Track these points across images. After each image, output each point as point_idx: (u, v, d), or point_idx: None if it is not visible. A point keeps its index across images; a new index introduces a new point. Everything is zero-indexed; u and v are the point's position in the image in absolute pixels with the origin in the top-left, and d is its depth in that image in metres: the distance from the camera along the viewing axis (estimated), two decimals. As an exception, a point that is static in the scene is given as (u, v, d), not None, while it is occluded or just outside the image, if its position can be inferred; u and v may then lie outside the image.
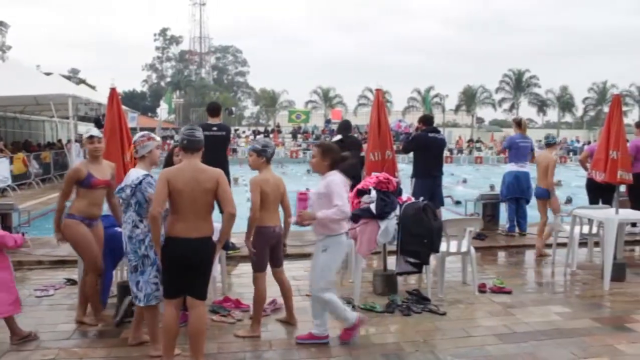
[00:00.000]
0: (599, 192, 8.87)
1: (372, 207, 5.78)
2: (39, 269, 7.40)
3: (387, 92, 62.48)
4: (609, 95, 14.60)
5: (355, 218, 5.87)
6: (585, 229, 7.61)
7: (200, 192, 4.06)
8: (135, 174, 4.51)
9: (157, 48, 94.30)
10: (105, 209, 5.51)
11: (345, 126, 9.57)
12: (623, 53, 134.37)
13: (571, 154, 41.56)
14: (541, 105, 71.70)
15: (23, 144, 21.21)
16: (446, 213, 10.06)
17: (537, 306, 6.07)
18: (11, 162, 16.70)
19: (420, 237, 5.77)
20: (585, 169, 8.96)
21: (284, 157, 34.95)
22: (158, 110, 47.04)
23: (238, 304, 5.83)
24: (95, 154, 5.21)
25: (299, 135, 45.89)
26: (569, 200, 14.99)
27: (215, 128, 7.83)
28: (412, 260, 5.89)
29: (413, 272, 6.18)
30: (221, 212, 4.21)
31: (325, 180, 4.67)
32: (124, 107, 7.59)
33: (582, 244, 8.11)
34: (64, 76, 28.09)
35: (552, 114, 74.40)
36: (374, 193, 5.87)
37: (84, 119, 23.00)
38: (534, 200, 8.71)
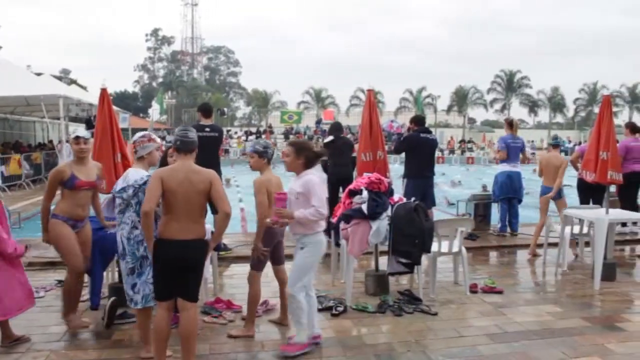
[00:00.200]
0: (589, 193, 8.92)
1: (364, 207, 5.79)
2: (29, 271, 7.30)
3: (379, 93, 62.65)
4: (600, 96, 14.75)
5: (347, 218, 5.88)
6: (576, 229, 7.65)
7: (193, 193, 4.04)
8: (137, 174, 4.49)
9: (149, 48, 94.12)
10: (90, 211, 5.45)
11: (336, 127, 9.61)
12: (613, 54, 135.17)
13: (562, 154, 41.67)
14: (532, 106, 72.04)
15: (13, 145, 21.12)
16: (438, 213, 10.08)
17: (528, 306, 6.09)
18: (2, 163, 16.61)
19: (411, 237, 5.78)
20: (576, 169, 9.01)
21: (276, 158, 34.69)
22: (150, 110, 47.11)
23: (230, 305, 5.83)
24: (81, 155, 5.12)
25: (291, 136, 45.81)
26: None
27: (208, 129, 7.82)
28: (403, 260, 5.90)
29: (405, 273, 6.19)
30: (214, 212, 4.21)
31: (302, 180, 4.59)
32: (115, 108, 7.58)
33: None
34: (55, 77, 27.94)
35: (544, 115, 74.75)
36: (365, 193, 5.88)
37: (75, 119, 22.95)
38: (526, 201, 8.76)
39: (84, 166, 5.13)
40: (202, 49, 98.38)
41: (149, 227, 4.05)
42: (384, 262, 6.26)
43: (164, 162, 5.45)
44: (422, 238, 5.81)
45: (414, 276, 6.53)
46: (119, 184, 4.60)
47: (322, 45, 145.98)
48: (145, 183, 4.38)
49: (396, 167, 13.08)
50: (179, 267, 4.05)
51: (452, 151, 44.72)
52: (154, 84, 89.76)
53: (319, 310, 5.70)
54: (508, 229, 9.60)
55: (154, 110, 40.27)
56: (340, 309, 5.71)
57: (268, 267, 5.23)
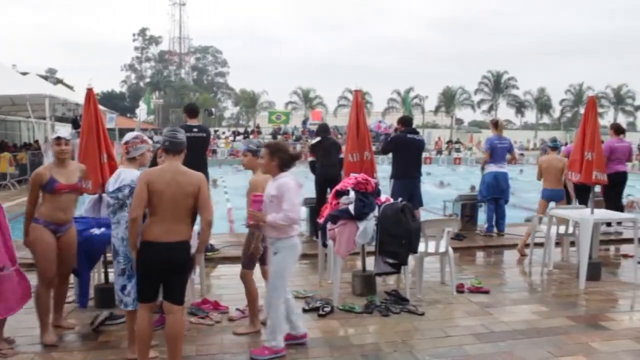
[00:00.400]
0: (575, 193, 8.99)
1: (351, 208, 5.80)
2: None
3: (367, 93, 62.93)
4: (585, 97, 14.96)
5: (334, 219, 5.88)
6: (562, 229, 7.70)
7: (180, 195, 3.99)
8: (131, 174, 4.45)
9: (136, 48, 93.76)
10: (78, 212, 5.39)
11: (324, 128, 9.69)
12: (599, 56, 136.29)
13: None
14: (519, 107, 72.64)
15: (-1, 145, 20.95)
16: (425, 214, 10.11)
17: (514, 305, 6.13)
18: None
19: (398, 237, 5.79)
20: (562, 170, 9.06)
21: (264, 158, 34.71)
22: (137, 111, 46.96)
23: (217, 305, 5.81)
24: (62, 157, 4.92)
25: (279, 136, 45.80)
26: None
27: (196, 129, 7.79)
28: (390, 260, 5.91)
29: (392, 273, 6.21)
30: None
31: (277, 182, 4.52)
32: (102, 108, 7.54)
33: (558, 243, 8.22)
34: (41, 76, 27.78)
35: (530, 115, 75.50)
36: (352, 194, 5.88)
37: (61, 119, 22.77)
38: (512, 201, 8.82)
39: (65, 168, 4.92)
40: (190, 49, 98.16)
41: (136, 233, 4.01)
42: (371, 263, 6.27)
43: (154, 164, 5.42)
44: (409, 238, 5.83)
45: (401, 276, 6.55)
46: (111, 185, 4.57)
47: (310, 45, 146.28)
48: None
49: (384, 167, 13.11)
50: (164, 270, 4.01)
51: (439, 152, 44.92)
52: (142, 84, 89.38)
53: (306, 310, 5.74)
54: (495, 229, 9.66)
55: (142, 111, 40.06)
56: (328, 309, 5.71)
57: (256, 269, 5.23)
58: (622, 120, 64.31)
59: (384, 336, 5.15)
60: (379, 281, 6.56)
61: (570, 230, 7.66)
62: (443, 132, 59.56)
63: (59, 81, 40.74)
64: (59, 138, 4.93)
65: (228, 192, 17.53)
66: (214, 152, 37.48)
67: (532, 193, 19.44)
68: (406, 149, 8.50)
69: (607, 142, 9.26)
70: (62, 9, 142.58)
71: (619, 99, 69.36)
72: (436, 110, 71.01)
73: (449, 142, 49.70)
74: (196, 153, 7.50)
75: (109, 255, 5.65)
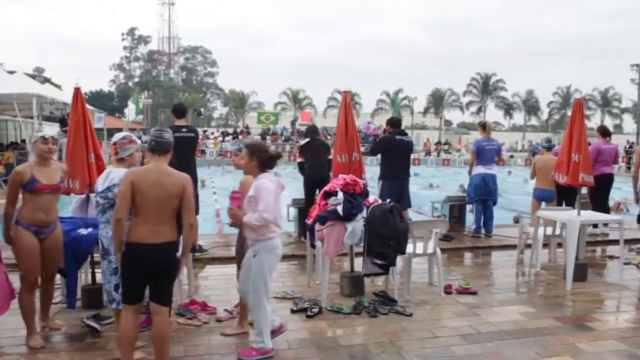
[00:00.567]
0: (562, 194, 9.05)
1: (339, 209, 5.80)
2: None
3: (356, 94, 63.00)
4: (573, 100, 15.06)
5: (322, 220, 5.88)
6: (549, 230, 7.75)
7: (165, 196, 3.96)
8: (120, 174, 4.40)
9: (125, 48, 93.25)
10: (65, 212, 5.33)
11: (312, 129, 9.72)
12: (587, 58, 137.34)
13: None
14: (508, 109, 72.99)
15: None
16: (413, 215, 10.14)
17: (501, 306, 6.15)
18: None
19: (387, 238, 5.80)
20: (550, 171, 9.12)
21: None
22: (126, 110, 46.56)
23: (204, 306, 5.79)
24: (48, 156, 4.82)
25: (268, 137, 45.80)
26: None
27: (184, 129, 7.77)
28: (378, 261, 5.91)
29: (380, 274, 6.21)
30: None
31: (255, 183, 4.48)
32: (90, 108, 7.49)
33: (546, 244, 8.26)
34: (28, 75, 27.50)
35: (519, 117, 75.85)
36: (340, 195, 5.89)
37: (49, 118, 22.61)
38: (500, 202, 8.88)
39: (46, 168, 4.77)
40: (179, 48, 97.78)
41: (120, 235, 3.98)
42: (359, 264, 6.27)
43: (143, 164, 5.37)
44: (397, 239, 5.84)
45: (389, 277, 6.55)
46: (100, 184, 4.55)
47: (299, 46, 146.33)
48: None
49: (373, 168, 13.15)
50: (149, 271, 3.98)
51: (428, 153, 45.08)
52: (130, 83, 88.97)
53: (294, 311, 5.74)
54: (482, 231, 9.70)
55: (130, 110, 39.69)
56: (316, 310, 5.70)
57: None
58: (609, 122, 64.82)
59: (372, 337, 5.15)
60: (367, 282, 6.57)
61: (558, 231, 7.70)
62: (432, 133, 59.83)
63: (46, 80, 40.45)
64: (46, 137, 4.79)
65: (217, 192, 17.49)
66: (203, 152, 37.39)
67: (520, 195, 19.58)
68: (395, 150, 8.51)
69: (593, 144, 9.34)
70: (50, 8, 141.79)
71: (606, 102, 69.85)
72: (425, 112, 71.25)
73: (438, 143, 49.88)
74: (184, 153, 7.49)
75: (96, 256, 5.64)
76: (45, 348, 4.75)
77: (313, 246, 6.48)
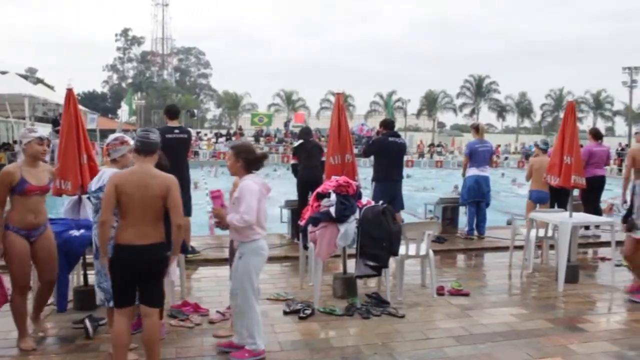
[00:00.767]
0: (554, 196, 9.09)
1: (332, 210, 5.81)
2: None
3: (350, 96, 63.11)
4: (565, 102, 15.06)
5: (314, 221, 5.89)
6: (542, 232, 7.77)
7: (149, 198, 3.92)
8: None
9: (119, 48, 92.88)
10: (55, 213, 5.29)
11: (306, 131, 9.74)
12: (579, 61, 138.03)
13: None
14: (501, 111, 73.25)
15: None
16: (407, 217, 10.16)
17: (494, 308, 6.17)
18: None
19: (379, 240, 5.81)
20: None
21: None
22: (119, 111, 46.62)
23: (197, 308, 5.78)
24: (43, 157, 4.81)
25: (261, 138, 45.78)
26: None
27: (177, 130, 7.76)
28: (371, 263, 5.91)
29: (372, 275, 6.21)
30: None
31: (240, 184, 4.47)
32: (83, 109, 7.47)
33: (539, 246, 8.29)
34: (21, 75, 27.37)
35: (512, 120, 76.13)
36: (333, 196, 5.89)
37: (41, 119, 22.54)
38: (493, 204, 8.91)
39: (36, 169, 4.71)
40: (173, 49, 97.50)
41: (105, 237, 3.96)
42: (352, 265, 6.27)
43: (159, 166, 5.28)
44: (390, 241, 5.84)
45: (381, 279, 6.55)
46: (94, 184, 4.53)
47: (293, 47, 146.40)
48: None
49: (366, 170, 13.17)
50: (138, 273, 3.95)
51: (421, 155, 45.18)
52: (124, 84, 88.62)
53: (287, 313, 5.74)
54: (475, 232, 9.72)
55: (123, 111, 39.70)
56: (308, 312, 5.70)
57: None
58: (601, 125, 65.16)
59: (365, 339, 5.16)
60: (359, 284, 6.57)
61: (550, 233, 7.73)
62: (425, 135, 59.90)
63: (39, 81, 40.27)
64: (42, 138, 4.77)
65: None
66: (196, 153, 37.35)
67: (513, 197, 19.66)
68: (387, 151, 8.53)
69: (586, 147, 9.38)
70: (43, 8, 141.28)
71: (598, 104, 70.19)
72: (418, 114, 71.39)
73: (431, 145, 49.97)
74: (177, 154, 7.50)
75: (89, 257, 5.61)
76: (36, 350, 4.72)
77: (306, 248, 6.48)
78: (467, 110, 72.68)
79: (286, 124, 50.29)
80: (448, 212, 10.13)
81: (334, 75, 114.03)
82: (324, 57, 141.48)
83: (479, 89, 71.81)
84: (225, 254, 5.53)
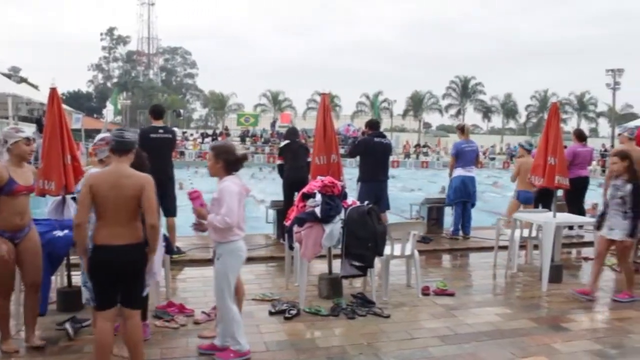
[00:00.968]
0: (538, 197, 9.16)
1: (317, 210, 5.81)
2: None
3: (336, 97, 63.23)
4: (550, 103, 15.24)
5: (300, 222, 5.89)
6: (526, 232, 7.83)
7: (124, 198, 3.88)
8: None
9: (104, 48, 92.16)
10: (39, 213, 5.22)
11: (292, 132, 9.72)
12: (564, 63, 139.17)
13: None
14: (486, 112, 73.76)
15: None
16: (392, 217, 10.17)
17: (478, 308, 6.20)
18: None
19: (365, 240, 5.82)
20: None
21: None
22: (104, 111, 46.36)
23: (182, 308, 5.75)
24: (29, 158, 4.76)
25: (247, 139, 45.69)
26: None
27: (161, 130, 7.74)
28: (357, 263, 5.93)
29: (358, 276, 6.23)
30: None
31: (220, 186, 4.46)
32: (67, 108, 7.41)
33: (522, 246, 8.35)
34: (4, 74, 27.17)
35: (497, 120, 76.66)
36: (318, 197, 5.90)
37: (25, 119, 22.33)
38: (478, 204, 8.95)
39: (21, 169, 4.65)
40: (159, 49, 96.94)
41: (82, 239, 3.94)
42: (337, 265, 6.29)
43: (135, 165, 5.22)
44: (375, 241, 5.86)
45: (367, 279, 6.57)
46: (80, 184, 4.51)
47: (280, 48, 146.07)
48: None
49: (351, 170, 13.19)
50: (114, 274, 3.92)
51: (407, 155, 45.32)
52: (109, 84, 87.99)
53: (272, 314, 5.73)
54: (460, 232, 9.77)
55: (109, 111, 39.48)
56: (294, 312, 5.70)
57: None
58: (585, 126, 65.79)
59: (350, 339, 5.16)
60: (345, 284, 6.58)
61: (534, 233, 7.79)
62: (411, 135, 60.08)
63: (22, 80, 39.95)
64: (29, 138, 4.72)
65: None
66: (182, 154, 37.19)
67: (498, 197, 19.77)
68: (373, 152, 8.55)
69: (570, 147, 9.46)
70: (27, 6, 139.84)
71: (582, 106, 70.88)
72: (404, 114, 71.68)
73: (417, 145, 50.14)
74: (161, 154, 7.48)
75: (73, 258, 5.58)
76: (19, 352, 4.68)
77: (291, 248, 6.48)
78: (453, 111, 73.21)
79: (272, 124, 50.25)
80: (433, 212, 10.17)
81: (320, 75, 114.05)
82: (311, 58, 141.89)
83: (465, 90, 72.26)
84: (211, 254, 5.51)
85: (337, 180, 6.30)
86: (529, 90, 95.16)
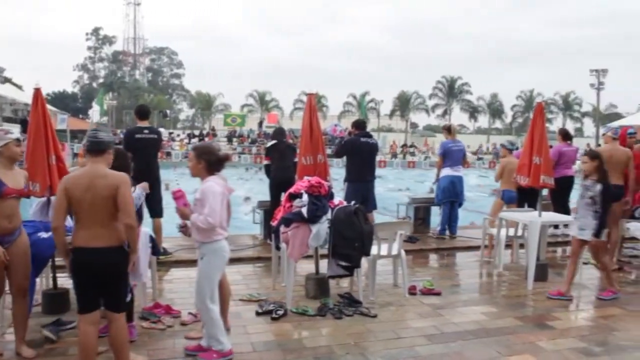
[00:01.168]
0: (524, 196, 9.21)
1: (304, 211, 5.81)
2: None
3: (323, 97, 63.24)
4: (536, 103, 15.34)
5: (287, 222, 5.89)
6: (512, 232, 7.88)
7: (99, 199, 3.83)
8: None
9: (89, 48, 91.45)
10: (24, 214, 5.15)
11: (280, 131, 9.71)
12: (549, 63, 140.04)
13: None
14: (472, 112, 74.10)
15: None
16: (379, 216, 10.20)
17: (464, 307, 6.24)
18: None
19: (351, 240, 5.83)
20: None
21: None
22: (90, 112, 46.02)
23: (169, 310, 5.73)
24: (19, 159, 4.70)
25: (234, 139, 45.61)
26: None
27: (146, 130, 7.71)
28: (343, 263, 5.94)
29: (345, 275, 6.24)
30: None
31: (202, 186, 4.45)
32: (53, 109, 7.36)
33: (508, 245, 8.40)
34: (-12, 75, 26.92)
35: (483, 120, 77.06)
36: (305, 197, 5.90)
37: (9, 120, 22.13)
38: (465, 204, 8.99)
39: (11, 171, 4.55)
40: (145, 49, 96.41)
41: (61, 242, 3.92)
42: (324, 266, 6.29)
43: (118, 165, 5.15)
44: (362, 241, 5.87)
45: (354, 279, 6.56)
46: None
47: (266, 48, 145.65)
48: None
49: (339, 170, 13.20)
50: (97, 276, 3.88)
51: (394, 155, 45.45)
52: (95, 84, 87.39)
53: (259, 314, 5.73)
54: (447, 232, 9.81)
55: (95, 112, 39.30)
56: (281, 312, 5.70)
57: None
58: (570, 126, 66.30)
59: (337, 339, 5.17)
60: (332, 284, 6.58)
61: (520, 232, 7.84)
62: (398, 135, 60.31)
63: (7, 80, 39.68)
64: (19, 139, 4.65)
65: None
66: (169, 154, 37.05)
67: (484, 197, 19.87)
68: (359, 152, 8.56)
69: (555, 147, 9.51)
70: (10, 4, 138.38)
71: (567, 106, 71.44)
72: (391, 114, 71.87)
73: (404, 145, 50.32)
74: (147, 155, 7.46)
75: (58, 260, 5.53)
76: (3, 355, 4.63)
77: (278, 248, 6.47)
78: (439, 111, 73.48)
79: (260, 125, 50.21)
80: (420, 212, 10.21)
81: (307, 75, 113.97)
82: (298, 58, 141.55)
83: (451, 90, 72.55)
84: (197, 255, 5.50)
85: (324, 181, 6.30)
86: (514, 91, 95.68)
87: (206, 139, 40.17)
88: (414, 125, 74.77)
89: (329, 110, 66.25)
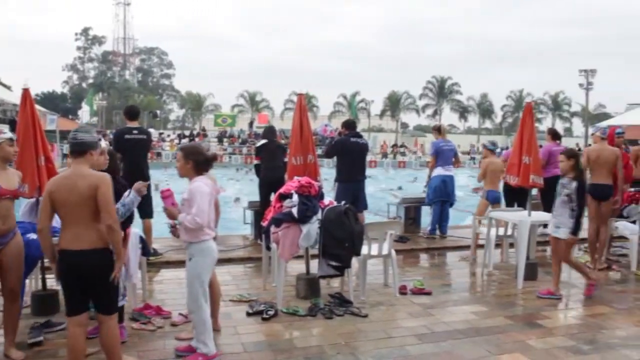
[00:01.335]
0: (513, 196, 9.24)
1: (294, 211, 5.81)
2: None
3: (314, 97, 63.27)
4: (525, 103, 15.36)
5: (277, 222, 5.88)
6: (501, 231, 7.91)
7: (82, 200, 3.79)
8: None
9: (79, 48, 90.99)
10: (15, 216, 5.12)
11: (270, 131, 9.66)
12: (539, 64, 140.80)
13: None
14: (463, 112, 74.40)
15: None
16: (370, 217, 10.21)
17: (455, 306, 6.26)
18: None
19: (342, 240, 5.84)
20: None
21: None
22: (79, 112, 45.80)
23: (159, 310, 5.71)
24: (13, 159, 4.68)
25: (224, 139, 45.50)
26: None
27: (136, 131, 7.68)
28: (334, 263, 5.94)
29: (335, 275, 6.24)
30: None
31: (190, 186, 4.44)
32: (42, 109, 7.31)
33: (498, 245, 8.43)
34: (-24, 75, 26.71)
35: (473, 120, 77.41)
36: (295, 197, 5.90)
37: (-3, 120, 21.98)
38: (457, 205, 9.02)
39: (5, 172, 4.49)
40: (135, 49, 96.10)
41: (46, 244, 3.91)
42: (315, 266, 6.29)
43: (111, 167, 5.09)
44: (352, 241, 5.88)
45: (344, 279, 6.57)
46: None
47: (257, 48, 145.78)
48: None
49: (329, 170, 13.22)
50: (83, 279, 3.85)
51: (384, 155, 45.52)
52: (84, 84, 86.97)
53: (250, 314, 5.72)
54: (437, 232, 9.83)
55: (84, 112, 39.16)
56: (271, 312, 5.69)
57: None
58: (559, 126, 66.80)
59: (328, 339, 5.17)
60: (323, 284, 6.58)
61: (509, 232, 7.87)
62: (388, 135, 60.39)
63: (-5, 81, 39.37)
64: (13, 139, 4.59)
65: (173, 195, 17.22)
66: (159, 155, 36.91)
67: (475, 197, 19.93)
68: (350, 152, 8.56)
69: (545, 147, 9.56)
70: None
71: (557, 106, 71.89)
72: (382, 115, 72.00)
73: (394, 145, 50.40)
74: (136, 155, 7.44)
75: (47, 261, 5.49)
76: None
77: (268, 248, 6.47)
78: (429, 111, 73.74)
79: (250, 125, 50.13)
80: (411, 211, 10.23)
81: (298, 76, 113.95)
82: (288, 58, 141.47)
83: (442, 90, 72.82)
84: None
85: (314, 181, 6.30)
86: (504, 91, 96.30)
87: (197, 140, 40.05)
88: (405, 126, 75.00)
89: (319, 111, 66.39)
